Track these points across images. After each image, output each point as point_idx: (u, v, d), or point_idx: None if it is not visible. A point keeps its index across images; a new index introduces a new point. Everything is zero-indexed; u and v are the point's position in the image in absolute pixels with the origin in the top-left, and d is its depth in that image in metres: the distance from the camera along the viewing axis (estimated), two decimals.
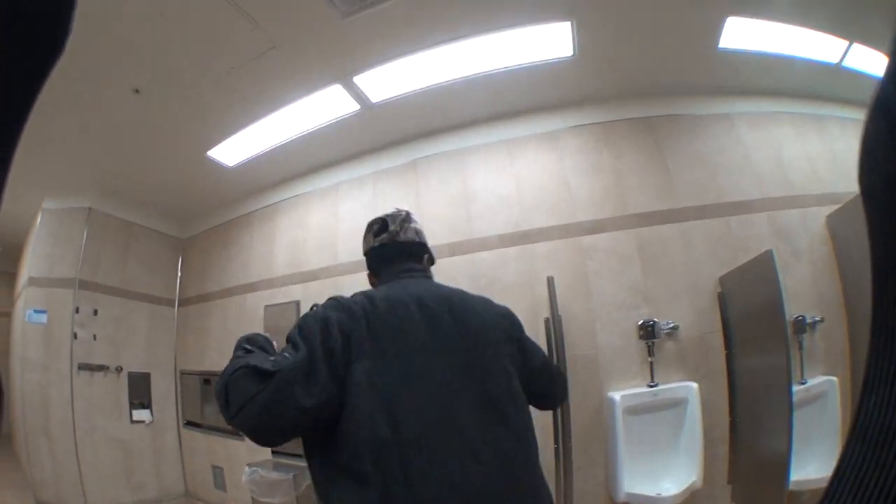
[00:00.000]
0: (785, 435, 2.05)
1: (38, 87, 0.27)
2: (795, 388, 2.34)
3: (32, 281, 4.11)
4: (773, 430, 2.15)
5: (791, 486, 2.10)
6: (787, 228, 2.62)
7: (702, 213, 2.63)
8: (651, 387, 2.55)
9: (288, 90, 2.64)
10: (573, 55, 2.49)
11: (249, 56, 2.34)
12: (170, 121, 2.93)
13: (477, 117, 2.99)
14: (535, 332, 2.46)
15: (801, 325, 2.55)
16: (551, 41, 2.42)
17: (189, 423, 4.34)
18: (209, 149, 3.22)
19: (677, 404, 2.51)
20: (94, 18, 2.00)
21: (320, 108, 2.82)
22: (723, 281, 2.56)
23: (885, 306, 0.26)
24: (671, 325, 2.57)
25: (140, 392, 4.22)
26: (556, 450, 2.45)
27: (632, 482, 2.47)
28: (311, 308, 1.08)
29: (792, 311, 2.51)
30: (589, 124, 2.83)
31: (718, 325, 2.55)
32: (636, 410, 2.53)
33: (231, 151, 3.27)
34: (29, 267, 4.22)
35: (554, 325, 2.52)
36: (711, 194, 2.65)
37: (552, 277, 2.58)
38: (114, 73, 2.46)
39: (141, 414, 4.20)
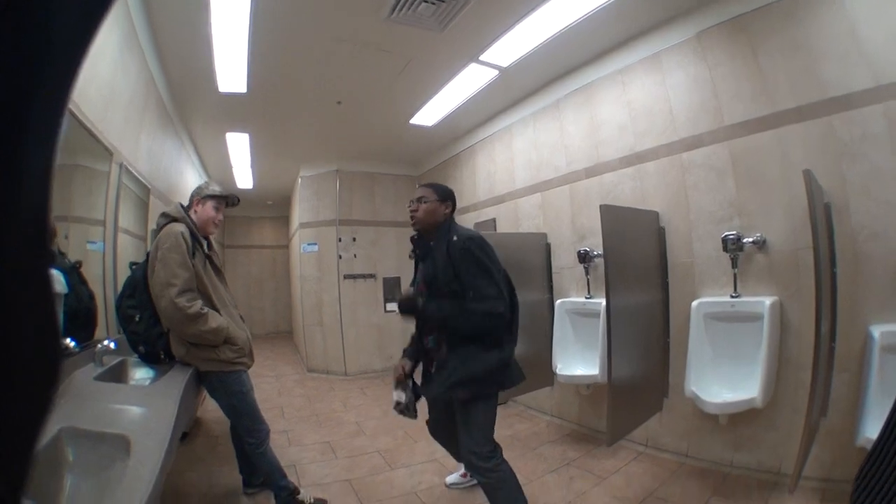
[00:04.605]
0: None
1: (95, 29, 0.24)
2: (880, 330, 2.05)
3: (303, 224, 6.00)
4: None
5: (860, 443, 1.99)
6: None
7: (799, 115, 2.25)
8: (733, 297, 2.61)
9: (446, 70, 3.53)
10: None
11: (409, 56, 3.34)
12: (373, 112, 4.35)
13: (596, 51, 3.27)
14: None
15: None
16: None
17: None
18: (411, 118, 4.50)
19: (755, 318, 2.49)
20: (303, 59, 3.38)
21: (471, 80, 3.67)
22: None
23: None
24: (753, 239, 2.49)
25: (392, 290, 5.82)
26: (664, 344, 2.95)
27: (697, 383, 2.61)
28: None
29: None
30: (683, 41, 2.72)
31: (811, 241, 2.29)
32: (718, 318, 2.66)
33: (428, 115, 4.45)
34: (299, 215, 6.09)
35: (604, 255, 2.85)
36: (811, 90, 2.19)
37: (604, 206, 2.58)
38: (322, 92, 3.87)
39: (392, 305, 5.64)
